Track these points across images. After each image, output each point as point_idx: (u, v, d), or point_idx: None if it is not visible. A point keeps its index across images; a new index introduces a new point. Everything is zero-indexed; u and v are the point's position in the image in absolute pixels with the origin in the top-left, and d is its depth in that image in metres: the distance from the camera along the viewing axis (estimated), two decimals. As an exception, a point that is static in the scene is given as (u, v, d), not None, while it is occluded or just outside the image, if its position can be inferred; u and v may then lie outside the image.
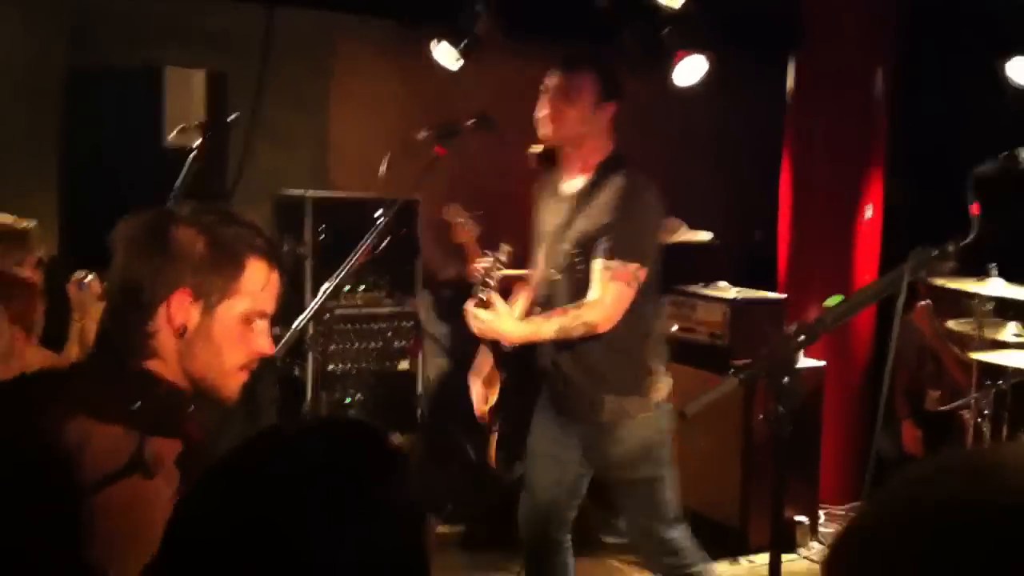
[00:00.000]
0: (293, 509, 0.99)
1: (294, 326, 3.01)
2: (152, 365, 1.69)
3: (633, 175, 3.34)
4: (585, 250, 3.28)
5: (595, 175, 3.35)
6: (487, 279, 3.37)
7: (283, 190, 5.58)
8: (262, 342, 1.75)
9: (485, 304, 3.34)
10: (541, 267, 3.47)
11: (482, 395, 3.62)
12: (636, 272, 3.23)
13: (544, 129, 3.35)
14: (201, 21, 5.41)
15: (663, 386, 3.40)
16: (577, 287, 3.29)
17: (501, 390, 3.53)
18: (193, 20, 5.39)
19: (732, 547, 4.99)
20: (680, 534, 3.47)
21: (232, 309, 1.70)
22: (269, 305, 1.76)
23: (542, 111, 3.35)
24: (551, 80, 3.36)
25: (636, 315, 3.27)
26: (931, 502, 0.80)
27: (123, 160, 4.87)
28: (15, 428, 1.50)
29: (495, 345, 3.51)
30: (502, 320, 3.32)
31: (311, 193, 5.34)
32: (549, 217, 3.46)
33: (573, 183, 3.40)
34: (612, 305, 3.22)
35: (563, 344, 3.32)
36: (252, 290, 1.72)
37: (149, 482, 1.34)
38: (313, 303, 3.06)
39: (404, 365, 5.30)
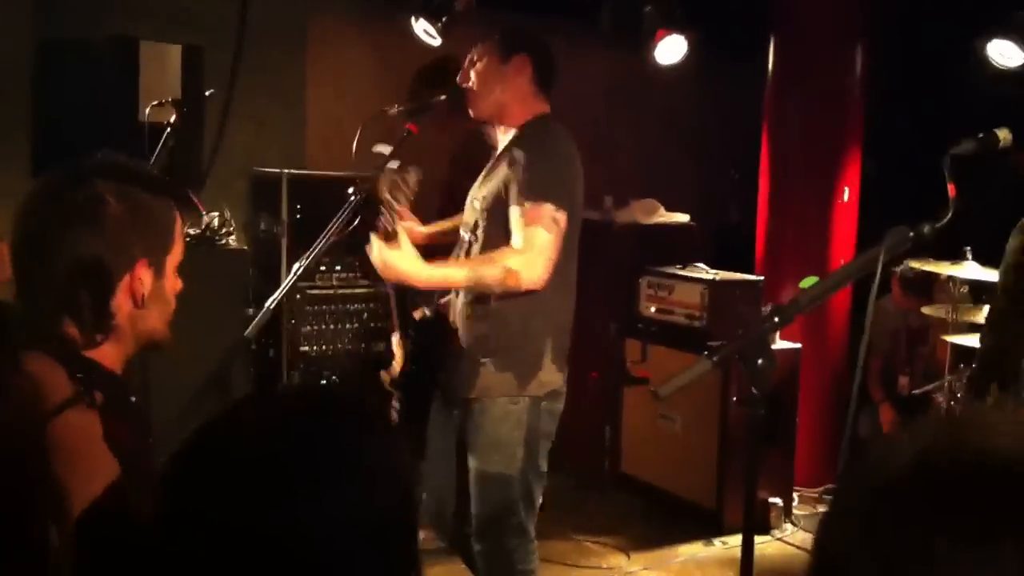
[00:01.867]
0: (273, 477, 0.99)
1: (266, 305, 2.97)
2: (96, 354, 1.66)
3: (549, 127, 3.13)
4: (491, 205, 3.07)
5: (516, 133, 3.16)
6: (393, 199, 2.99)
7: (259, 168, 5.53)
8: (179, 280, 1.78)
9: (390, 235, 2.93)
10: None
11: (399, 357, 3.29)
12: (554, 215, 2.93)
13: (470, 111, 3.22)
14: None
15: (547, 381, 3.09)
16: (483, 245, 3.06)
17: (406, 359, 3.20)
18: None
19: (707, 528, 5.01)
20: (518, 545, 3.12)
21: (173, 263, 1.74)
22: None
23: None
24: (465, 63, 3.24)
25: (542, 292, 3.00)
26: (906, 462, 0.82)
27: (96, 136, 4.80)
28: None
29: (398, 291, 3.23)
30: (406, 258, 2.91)
31: (287, 171, 5.29)
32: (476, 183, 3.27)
33: (501, 145, 3.23)
34: (536, 251, 2.92)
35: (467, 298, 3.08)
36: (179, 237, 1.75)
37: (94, 411, 1.35)
38: (285, 282, 3.02)
39: (380, 347, 5.27)
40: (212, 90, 4.72)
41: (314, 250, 3.15)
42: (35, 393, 1.38)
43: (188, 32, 5.17)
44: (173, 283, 1.75)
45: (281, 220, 5.24)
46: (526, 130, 3.15)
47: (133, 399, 1.72)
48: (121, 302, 1.66)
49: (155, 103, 4.22)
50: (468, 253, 3.14)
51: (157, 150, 3.86)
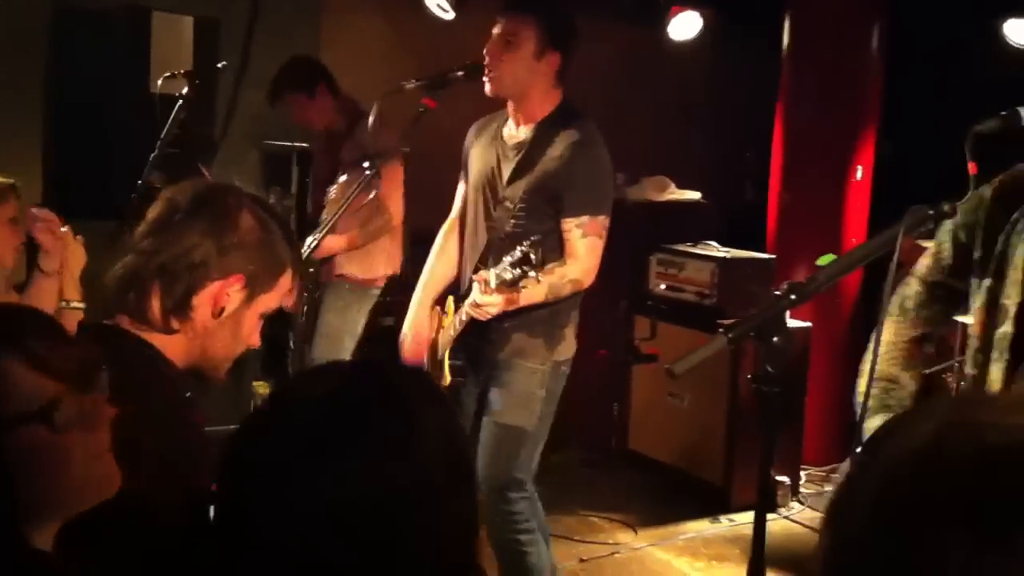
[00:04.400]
0: (336, 449, 1.02)
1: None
2: (157, 340, 1.72)
3: (584, 127, 3.20)
4: (532, 206, 3.17)
5: (541, 128, 3.20)
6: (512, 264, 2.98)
7: (270, 141, 5.52)
8: (257, 337, 1.84)
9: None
10: (471, 213, 3.34)
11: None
12: (604, 223, 3.21)
13: (487, 87, 3.18)
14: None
15: (567, 348, 3.33)
16: (514, 239, 3.07)
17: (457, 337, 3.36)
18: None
19: (714, 505, 5.02)
20: (523, 496, 3.32)
21: (264, 305, 1.81)
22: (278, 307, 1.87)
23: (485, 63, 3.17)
24: (495, 28, 3.19)
25: None
26: (918, 446, 0.80)
27: (108, 106, 4.80)
28: None
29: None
30: (483, 296, 2.99)
31: (298, 144, 5.28)
32: (484, 162, 3.30)
33: (515, 132, 3.25)
34: (591, 259, 3.20)
35: (499, 278, 3.08)
36: (282, 292, 1.83)
37: (56, 436, 1.34)
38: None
39: (388, 321, 5.26)
40: (224, 62, 4.71)
41: (326, 226, 3.16)
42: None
43: (202, 2, 5.15)
44: (253, 324, 1.81)
45: (291, 193, 5.24)
46: (555, 128, 3.17)
47: (188, 394, 1.76)
48: (204, 301, 1.73)
49: (167, 75, 4.21)
50: (508, 252, 2.97)
51: (168, 122, 3.86)
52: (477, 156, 3.35)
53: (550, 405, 3.33)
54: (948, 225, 2.05)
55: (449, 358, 3.41)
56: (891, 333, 2.15)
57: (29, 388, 1.33)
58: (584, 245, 3.17)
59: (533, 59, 3.14)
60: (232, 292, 1.74)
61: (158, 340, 1.73)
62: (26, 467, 1.31)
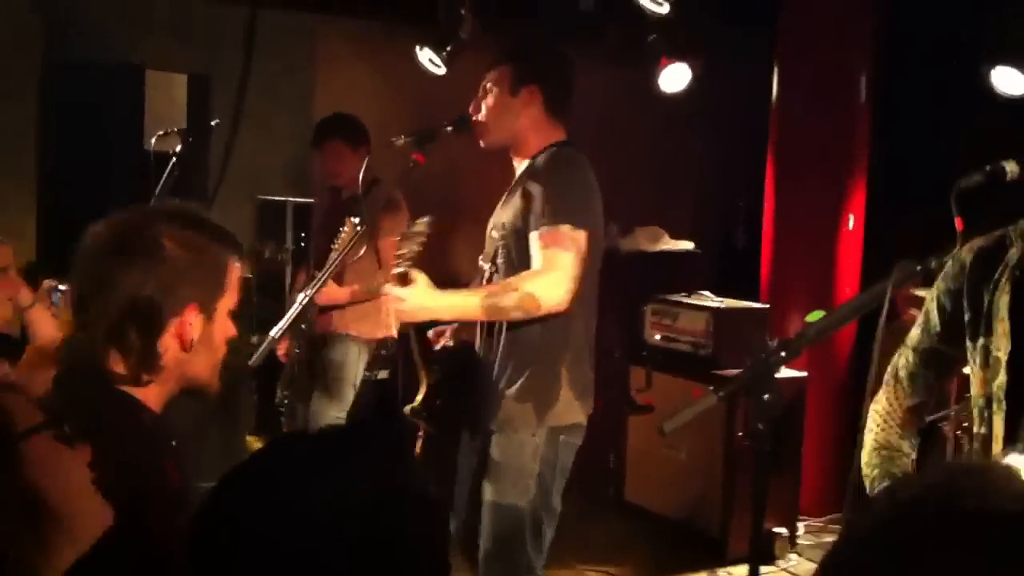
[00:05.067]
0: (304, 513, 1.02)
1: (271, 335, 2.97)
2: (136, 391, 1.69)
3: (567, 150, 3.10)
4: (510, 233, 3.04)
5: (531, 162, 3.12)
6: (406, 252, 2.91)
7: (265, 195, 5.55)
8: (232, 328, 1.81)
9: (405, 280, 2.87)
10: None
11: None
12: (572, 235, 2.89)
13: (478, 137, 3.17)
14: (182, 21, 5.36)
15: (566, 412, 3.05)
16: (503, 275, 3.02)
17: (428, 389, 3.19)
18: (174, 19, 5.35)
19: (711, 557, 4.97)
20: None
21: (225, 310, 1.77)
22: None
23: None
24: (481, 89, 3.19)
25: (559, 317, 2.95)
26: (917, 515, 0.81)
27: (104, 163, 4.83)
28: None
29: (421, 337, 3.18)
30: (423, 293, 2.84)
31: (292, 199, 5.31)
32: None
33: (517, 174, 3.19)
34: (554, 273, 2.87)
35: (487, 327, 3.05)
36: (234, 285, 1.78)
37: (59, 444, 1.37)
38: (290, 312, 3.02)
39: (383, 374, 5.26)
40: (217, 120, 4.75)
41: (319, 280, 3.16)
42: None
43: (195, 59, 5.20)
44: (224, 329, 1.78)
45: (286, 247, 5.25)
46: (541, 159, 3.11)
47: (174, 443, 1.74)
48: (169, 343, 1.69)
49: (161, 132, 4.24)
50: (489, 283, 3.09)
51: (163, 178, 3.88)
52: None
53: (551, 478, 3.05)
54: (933, 293, 2.08)
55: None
56: (887, 402, 2.17)
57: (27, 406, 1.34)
58: (544, 256, 2.89)
59: (508, 96, 3.11)
60: (193, 322, 1.70)
61: (136, 392, 1.70)
62: (40, 474, 1.32)
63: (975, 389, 2.05)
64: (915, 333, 2.15)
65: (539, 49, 3.30)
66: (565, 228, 2.89)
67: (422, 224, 2.91)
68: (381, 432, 1.12)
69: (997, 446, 1.96)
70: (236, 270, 1.78)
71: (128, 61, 4.91)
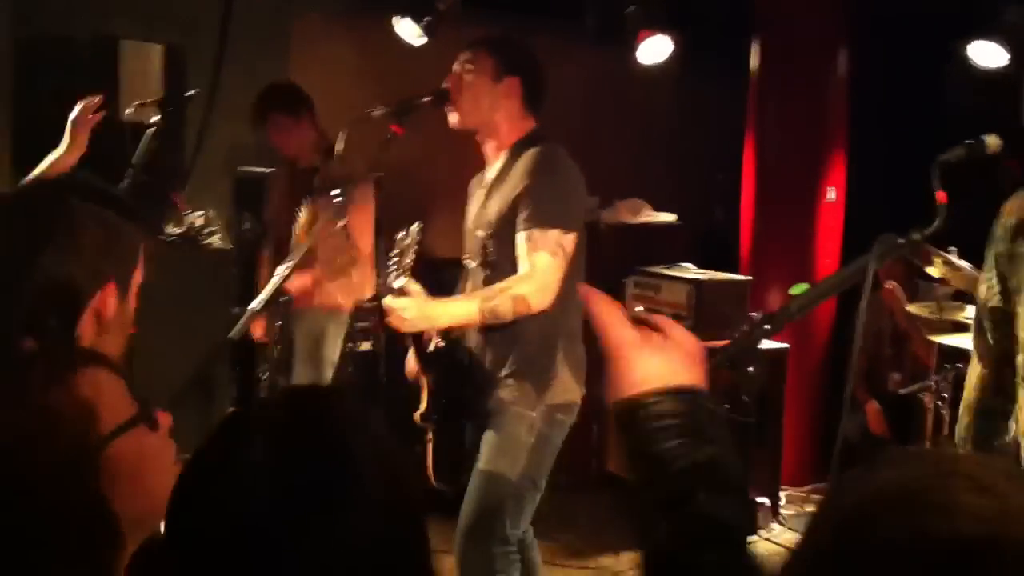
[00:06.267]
0: (272, 501, 0.99)
1: (251, 307, 2.96)
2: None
3: (548, 146, 3.12)
4: (496, 232, 3.10)
5: (511, 152, 3.16)
6: (400, 262, 2.94)
7: (242, 167, 5.49)
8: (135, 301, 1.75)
9: (402, 293, 2.95)
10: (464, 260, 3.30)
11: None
12: (559, 239, 3.00)
13: (451, 118, 3.17)
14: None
15: (563, 391, 3.15)
16: (493, 274, 3.10)
17: (431, 393, 3.24)
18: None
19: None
20: (505, 552, 3.12)
21: (135, 286, 1.71)
22: None
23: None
24: (455, 65, 3.19)
25: (554, 307, 3.04)
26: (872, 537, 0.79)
27: (77, 136, 4.76)
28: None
29: (417, 342, 3.21)
30: (423, 304, 2.96)
31: (270, 170, 5.26)
32: (472, 209, 3.29)
33: (493, 168, 3.22)
34: (541, 276, 2.98)
35: (486, 328, 3.12)
36: (143, 260, 1.72)
37: (154, 435, 1.29)
38: (270, 285, 3.00)
39: (366, 346, 5.24)
40: (195, 90, 4.68)
41: (296, 257, 3.14)
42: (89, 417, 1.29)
43: (170, 29, 5.13)
44: (132, 305, 1.71)
45: (264, 220, 5.21)
46: (522, 152, 3.12)
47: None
48: (87, 326, 1.62)
49: (137, 103, 4.18)
50: (485, 282, 3.12)
51: (138, 150, 3.83)
52: (469, 209, 3.32)
53: (543, 454, 3.14)
54: (991, 253, 2.29)
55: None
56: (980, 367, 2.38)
57: (119, 394, 1.28)
58: (531, 260, 2.99)
59: (491, 82, 3.13)
60: (109, 299, 1.63)
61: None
62: (129, 478, 1.24)
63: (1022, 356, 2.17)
64: (982, 294, 2.37)
65: (518, 43, 3.31)
66: (554, 233, 3.00)
67: (412, 232, 2.95)
68: (347, 399, 1.11)
69: None
70: (143, 244, 1.73)
71: (102, 33, 4.83)
